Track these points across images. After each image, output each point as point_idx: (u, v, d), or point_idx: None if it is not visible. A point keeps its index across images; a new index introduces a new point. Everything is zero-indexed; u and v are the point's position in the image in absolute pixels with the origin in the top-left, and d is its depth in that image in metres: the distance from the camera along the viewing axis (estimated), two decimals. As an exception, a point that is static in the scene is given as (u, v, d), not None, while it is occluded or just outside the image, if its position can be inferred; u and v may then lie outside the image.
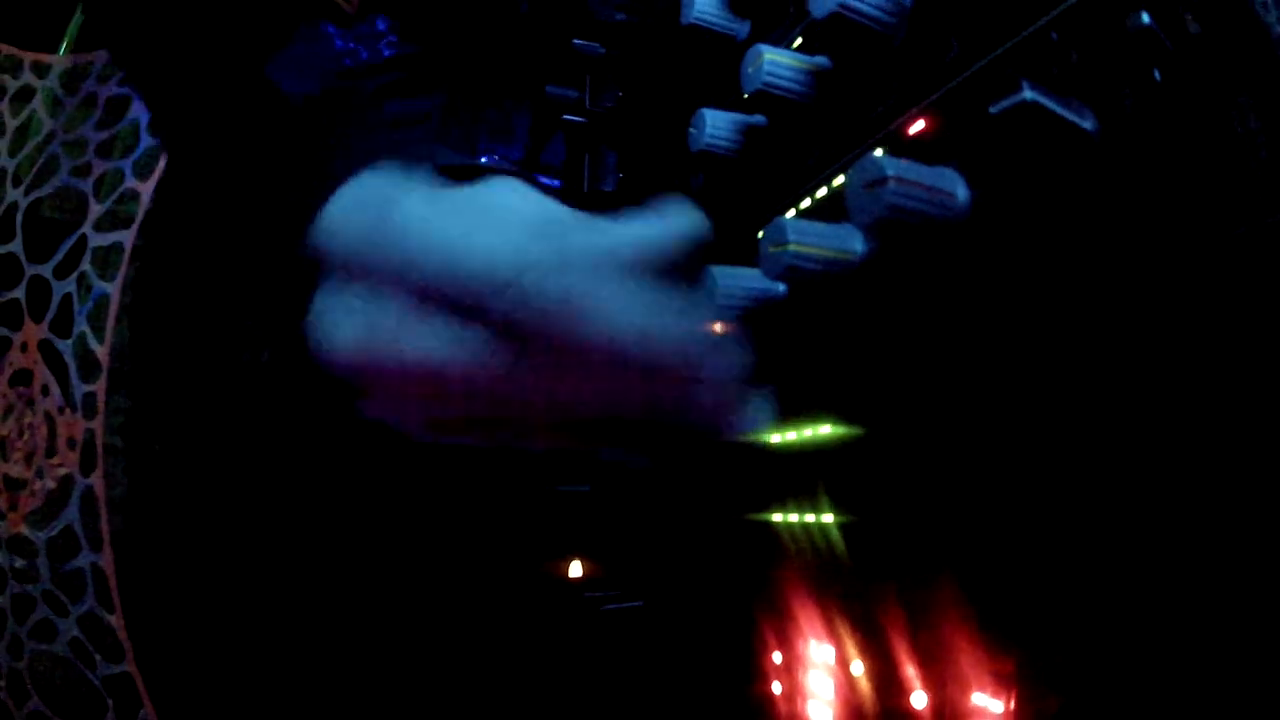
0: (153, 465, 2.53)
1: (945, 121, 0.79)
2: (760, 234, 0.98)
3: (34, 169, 2.53)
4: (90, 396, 2.43)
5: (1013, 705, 0.72)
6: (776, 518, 0.87)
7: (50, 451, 2.43)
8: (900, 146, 0.81)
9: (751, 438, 0.89)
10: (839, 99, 0.87)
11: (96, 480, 2.40)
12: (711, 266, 0.88)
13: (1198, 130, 0.67)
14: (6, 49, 2.67)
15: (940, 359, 0.76)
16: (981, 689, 0.73)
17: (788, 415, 0.86)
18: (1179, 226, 0.67)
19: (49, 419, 2.47)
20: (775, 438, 0.89)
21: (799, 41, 0.94)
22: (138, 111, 2.49)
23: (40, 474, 2.44)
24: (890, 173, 0.70)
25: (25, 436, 2.43)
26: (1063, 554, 0.69)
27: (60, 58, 2.68)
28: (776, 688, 0.88)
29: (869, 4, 0.79)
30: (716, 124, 0.95)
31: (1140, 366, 0.67)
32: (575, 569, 1.17)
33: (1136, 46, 0.71)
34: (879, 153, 0.81)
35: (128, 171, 2.44)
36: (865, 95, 0.84)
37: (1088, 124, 0.73)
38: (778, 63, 0.86)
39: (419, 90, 1.53)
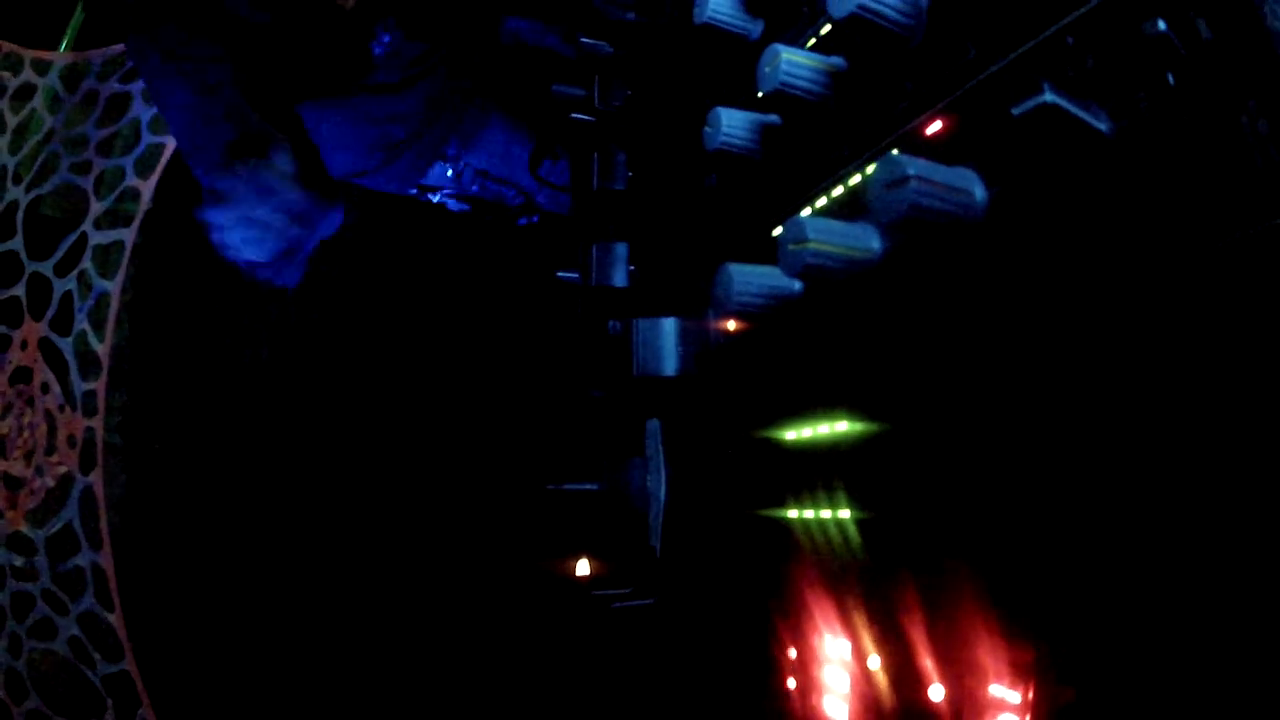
0: (152, 464, 2.53)
1: (962, 122, 0.81)
2: (777, 232, 0.99)
3: (35, 166, 2.54)
4: (90, 395, 2.43)
5: (1030, 696, 0.73)
6: (792, 514, 0.88)
7: (50, 449, 2.43)
8: (917, 146, 0.82)
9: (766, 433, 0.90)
10: (856, 99, 0.88)
11: (96, 479, 2.40)
12: (728, 263, 0.89)
13: (1210, 133, 0.68)
14: (8, 46, 2.67)
15: (958, 355, 0.77)
16: (999, 680, 0.74)
17: (803, 411, 0.86)
18: (1193, 225, 0.68)
19: (49, 417, 2.47)
20: (791, 434, 0.90)
21: (813, 41, 0.95)
22: (139, 109, 2.49)
23: (40, 472, 2.43)
24: (912, 172, 0.71)
25: (25, 434, 2.43)
26: (1079, 547, 0.70)
27: (61, 55, 2.68)
28: (791, 683, 0.89)
29: (888, 5, 0.80)
30: (732, 123, 0.96)
31: (1156, 361, 0.68)
32: (584, 567, 1.17)
33: (1151, 51, 0.72)
34: (898, 152, 0.82)
35: (128, 169, 2.44)
36: (882, 96, 0.85)
37: (1103, 126, 0.75)
38: (795, 62, 0.87)
39: (404, 88, 1.56)
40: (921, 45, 0.83)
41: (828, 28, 0.93)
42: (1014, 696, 0.72)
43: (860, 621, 0.82)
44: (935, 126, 0.81)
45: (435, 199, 1.68)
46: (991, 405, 0.75)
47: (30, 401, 2.44)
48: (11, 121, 2.54)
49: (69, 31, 2.59)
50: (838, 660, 0.85)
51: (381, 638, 2.38)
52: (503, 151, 1.67)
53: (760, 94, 0.92)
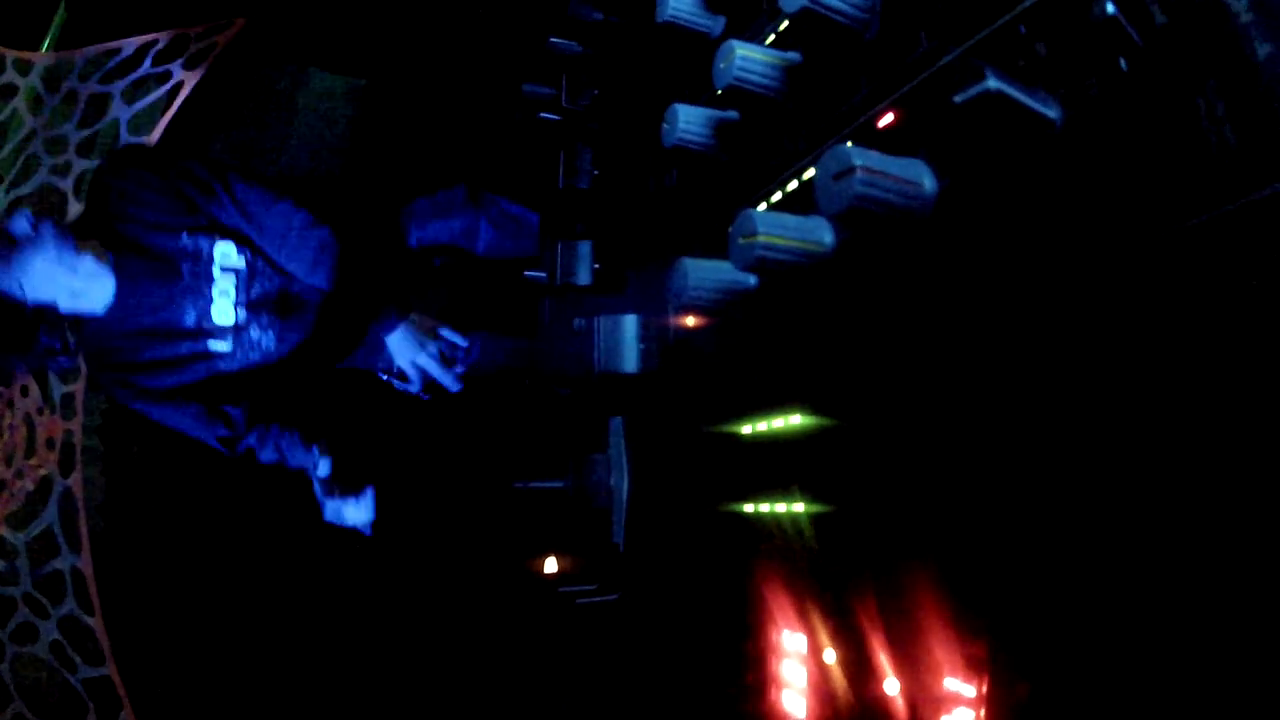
0: (131, 467, 2.52)
1: (914, 113, 0.80)
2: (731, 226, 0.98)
3: (15, 167, 2.53)
4: (69, 397, 2.42)
5: (984, 689, 0.72)
6: (749, 509, 0.88)
7: (29, 452, 2.42)
8: (870, 138, 0.82)
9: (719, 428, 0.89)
10: (810, 93, 0.87)
11: (75, 482, 2.39)
12: (683, 258, 0.88)
13: (1164, 117, 0.68)
14: (-7, 48, 2.66)
15: (910, 347, 0.77)
16: (954, 674, 0.74)
17: (759, 406, 0.86)
18: (1147, 212, 0.68)
19: (28, 420, 2.46)
20: (747, 429, 0.90)
21: (773, 38, 0.95)
22: (118, 110, 2.48)
23: (19, 475, 2.43)
24: (858, 163, 0.70)
25: (5, 437, 2.42)
26: (1033, 541, 0.69)
27: (43, 55, 2.67)
28: (751, 677, 0.88)
29: (839, -1, 0.80)
30: (689, 119, 0.96)
31: (1109, 353, 0.68)
32: (550, 565, 1.17)
33: (1102, 37, 0.72)
34: (848, 144, 0.82)
35: (108, 171, 2.43)
36: (836, 89, 0.85)
37: (1052, 113, 0.74)
38: (749, 58, 0.87)
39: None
40: (875, 38, 0.82)
41: (785, 24, 0.93)
42: (969, 690, 0.71)
43: (818, 616, 0.81)
44: (888, 119, 0.81)
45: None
46: (946, 398, 0.75)
47: (10, 404, 2.43)
48: (-7, 123, 2.53)
49: (51, 31, 2.58)
50: (796, 654, 0.84)
51: (359, 637, 2.38)
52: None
53: (718, 90, 0.92)
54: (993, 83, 0.70)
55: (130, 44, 2.46)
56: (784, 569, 0.84)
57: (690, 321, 0.98)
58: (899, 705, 0.76)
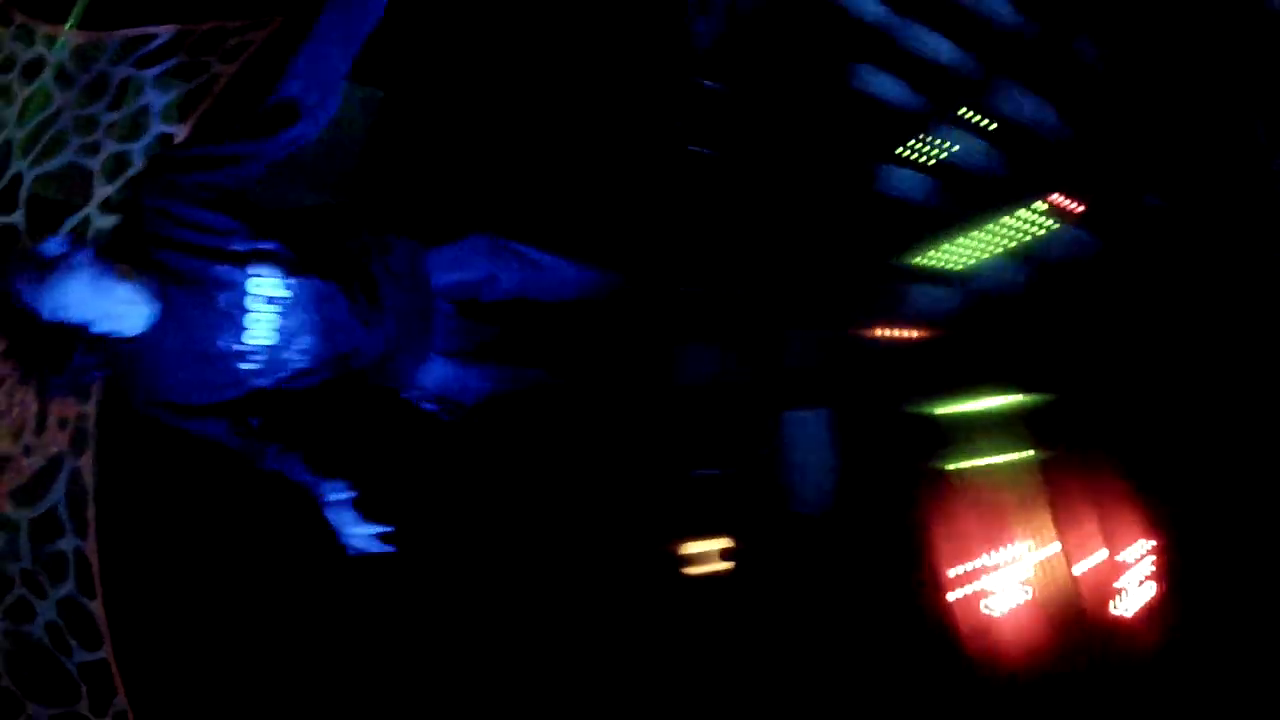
0: (128, 451, 2.47)
1: (1088, 200, 1.22)
2: (923, 261, 1.36)
3: (41, 142, 2.45)
4: (81, 377, 2.36)
5: (1155, 546, 1.15)
6: (957, 465, 1.25)
7: (40, 429, 2.33)
8: (1059, 216, 1.23)
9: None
10: (1011, 176, 1.27)
11: (86, 463, 2.34)
12: (910, 286, 1.25)
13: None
14: (21, 18, 2.56)
15: (1103, 342, 1.19)
16: (1137, 538, 1.16)
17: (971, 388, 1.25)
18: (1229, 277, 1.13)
19: (41, 396, 2.37)
20: (950, 409, 1.27)
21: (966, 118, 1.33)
22: (150, 97, 2.49)
23: (27, 451, 2.33)
24: (1064, 234, 1.12)
25: (15, 411, 2.32)
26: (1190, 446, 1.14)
27: (72, 32, 2.60)
28: (954, 595, 1.23)
29: (1040, 121, 1.20)
30: (906, 181, 1.32)
31: (1223, 352, 1.14)
32: (717, 546, 1.42)
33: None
34: (1055, 222, 1.23)
35: (137, 156, 2.43)
36: (1030, 180, 1.26)
37: (1172, 211, 1.19)
38: (967, 148, 1.25)
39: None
40: (1062, 143, 1.23)
41: (978, 116, 1.32)
42: (1147, 544, 1.13)
43: (1031, 526, 1.20)
44: (1072, 205, 1.23)
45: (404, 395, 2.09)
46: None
47: (23, 379, 2.34)
48: (20, 94, 2.44)
49: (76, 9, 2.53)
50: (999, 566, 1.22)
51: (351, 637, 2.43)
52: (441, 376, 2.05)
53: (928, 162, 1.29)
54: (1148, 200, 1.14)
55: (166, 32, 2.47)
56: (997, 500, 1.21)
57: (893, 332, 1.33)
58: (1100, 572, 1.16)
